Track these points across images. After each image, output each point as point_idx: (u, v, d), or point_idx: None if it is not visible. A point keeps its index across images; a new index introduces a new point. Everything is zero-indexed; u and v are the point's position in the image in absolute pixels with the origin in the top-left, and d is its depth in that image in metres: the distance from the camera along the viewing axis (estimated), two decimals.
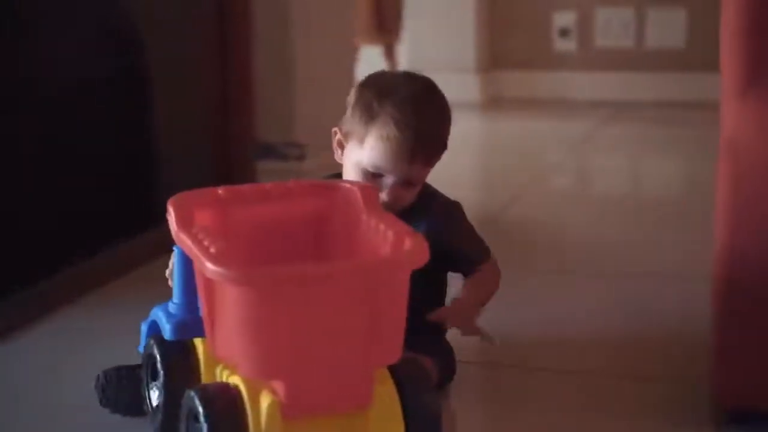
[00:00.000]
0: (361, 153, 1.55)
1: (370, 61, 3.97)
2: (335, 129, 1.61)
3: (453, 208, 1.64)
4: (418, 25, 4.29)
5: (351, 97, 1.59)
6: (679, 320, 1.96)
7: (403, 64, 4.32)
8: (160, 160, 2.55)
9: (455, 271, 1.65)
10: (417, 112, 1.53)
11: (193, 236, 1.28)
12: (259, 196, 1.42)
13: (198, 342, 1.42)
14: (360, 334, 1.25)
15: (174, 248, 1.43)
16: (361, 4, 4.01)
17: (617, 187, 3.27)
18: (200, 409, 1.27)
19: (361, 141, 1.55)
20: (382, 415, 1.30)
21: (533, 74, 4.28)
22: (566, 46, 4.27)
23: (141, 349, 1.51)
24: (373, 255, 1.33)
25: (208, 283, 1.28)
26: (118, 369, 1.53)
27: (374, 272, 1.25)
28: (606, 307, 2.05)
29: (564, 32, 4.26)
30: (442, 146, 1.58)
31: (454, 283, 1.67)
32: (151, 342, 1.46)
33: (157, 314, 1.46)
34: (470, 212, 1.67)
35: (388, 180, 1.55)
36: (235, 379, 1.30)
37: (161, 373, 1.43)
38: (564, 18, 4.26)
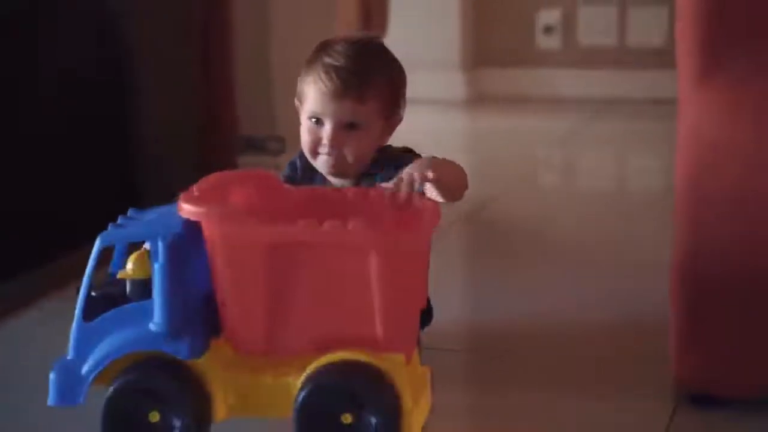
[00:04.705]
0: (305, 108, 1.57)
1: None
2: (296, 102, 1.61)
3: (405, 154, 1.58)
4: (403, 22, 4.31)
5: None
6: (655, 308, 1.99)
7: None
8: (145, 155, 2.58)
9: None
10: (346, 56, 1.54)
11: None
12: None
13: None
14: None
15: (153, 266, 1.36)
16: None
17: (602, 182, 3.29)
18: None
19: (303, 98, 1.57)
20: None
21: (518, 72, 4.30)
22: (550, 43, 4.30)
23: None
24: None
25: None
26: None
27: None
28: (584, 296, 2.10)
29: (548, 30, 4.29)
30: (372, 84, 1.54)
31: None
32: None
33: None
34: (456, 205, 1.65)
35: (327, 125, 1.53)
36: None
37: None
38: (548, 16, 4.28)
